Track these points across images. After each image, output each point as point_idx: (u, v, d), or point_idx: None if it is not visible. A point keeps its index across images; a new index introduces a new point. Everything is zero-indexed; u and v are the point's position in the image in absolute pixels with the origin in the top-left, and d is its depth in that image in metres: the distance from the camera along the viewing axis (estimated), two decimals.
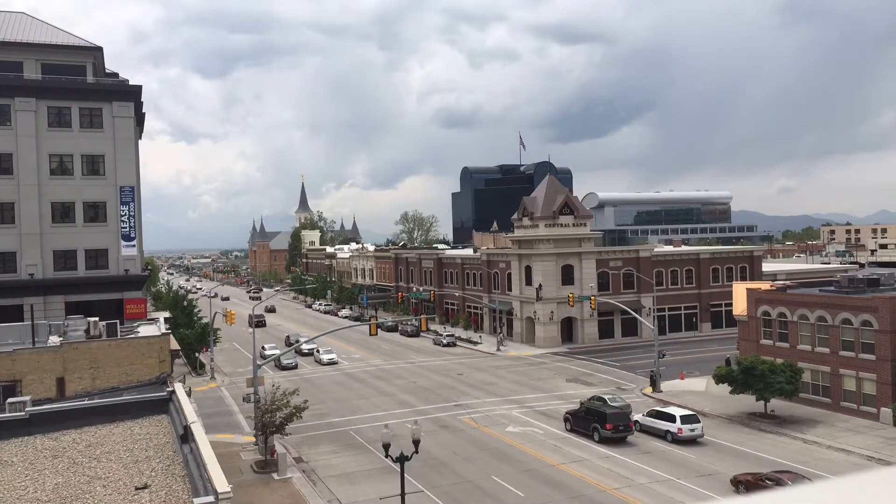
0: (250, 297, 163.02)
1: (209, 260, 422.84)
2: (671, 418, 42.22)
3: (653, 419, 43.54)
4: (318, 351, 76.65)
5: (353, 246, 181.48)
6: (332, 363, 74.44)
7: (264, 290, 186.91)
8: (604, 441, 41.67)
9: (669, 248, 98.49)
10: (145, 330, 43.12)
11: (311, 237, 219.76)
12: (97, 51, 52.88)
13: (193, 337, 72.07)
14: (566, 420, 45.53)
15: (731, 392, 46.55)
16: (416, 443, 27.90)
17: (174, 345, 41.73)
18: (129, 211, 51.70)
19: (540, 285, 79.05)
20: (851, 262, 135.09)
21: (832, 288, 52.44)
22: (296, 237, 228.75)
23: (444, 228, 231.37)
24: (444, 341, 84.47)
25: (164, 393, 29.06)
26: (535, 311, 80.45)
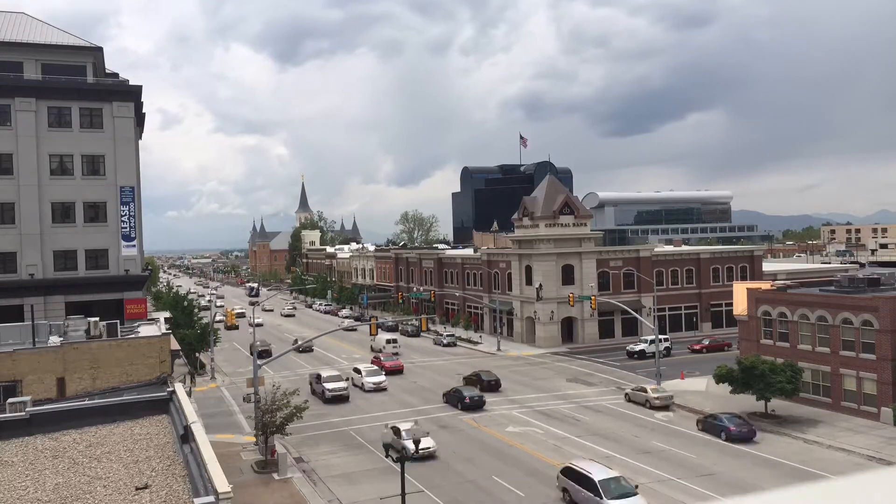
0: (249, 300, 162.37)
1: (209, 260, 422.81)
2: None
3: None
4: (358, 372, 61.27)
5: (354, 246, 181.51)
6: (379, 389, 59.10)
7: (262, 290, 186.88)
8: (465, 409, 51.32)
9: (670, 248, 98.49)
10: (145, 330, 43.09)
11: (312, 237, 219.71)
12: (97, 51, 52.85)
13: (194, 337, 72.08)
14: (444, 396, 54.34)
15: (732, 392, 46.56)
16: (417, 443, 27.91)
17: (174, 345, 41.71)
18: (129, 211, 51.67)
19: (540, 285, 79.04)
20: (852, 262, 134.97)
21: (832, 288, 52.42)
22: (296, 237, 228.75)
23: (445, 228, 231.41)
24: (445, 341, 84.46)
25: (165, 393, 29.06)
26: (535, 311, 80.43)
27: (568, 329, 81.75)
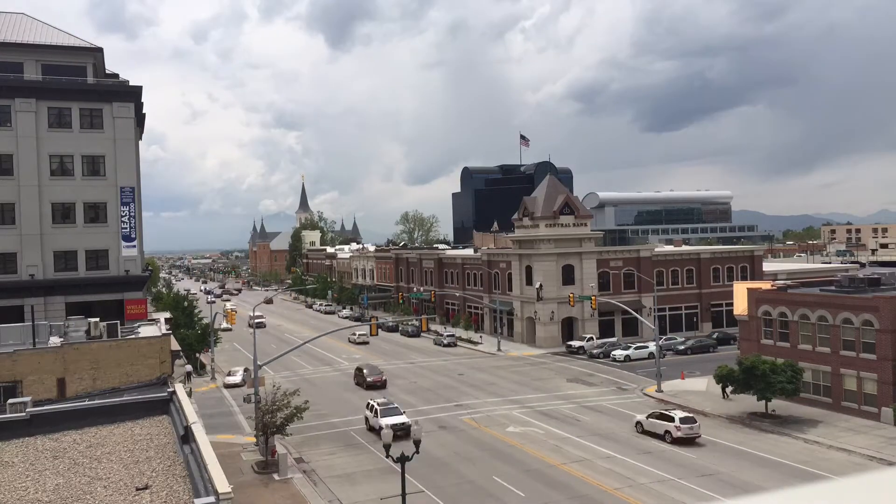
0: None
1: (209, 260, 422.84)
2: None
3: None
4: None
5: (354, 246, 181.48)
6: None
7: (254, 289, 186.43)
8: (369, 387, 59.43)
9: (670, 248, 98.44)
10: (146, 331, 43.10)
11: (312, 237, 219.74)
12: (97, 51, 52.87)
13: (194, 337, 72.13)
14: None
15: (732, 392, 46.58)
16: (417, 443, 27.88)
17: (175, 345, 41.71)
18: (129, 211, 51.68)
19: (540, 285, 79.03)
20: (852, 262, 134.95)
21: (833, 287, 52.40)
22: (296, 237, 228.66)
23: (445, 228, 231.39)
24: (445, 341, 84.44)
25: (165, 394, 29.08)
26: (535, 311, 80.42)
27: (568, 329, 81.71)
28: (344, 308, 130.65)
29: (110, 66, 52.42)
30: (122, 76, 55.34)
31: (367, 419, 46.99)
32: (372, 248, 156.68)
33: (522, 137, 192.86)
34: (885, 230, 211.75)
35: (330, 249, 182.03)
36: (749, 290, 54.81)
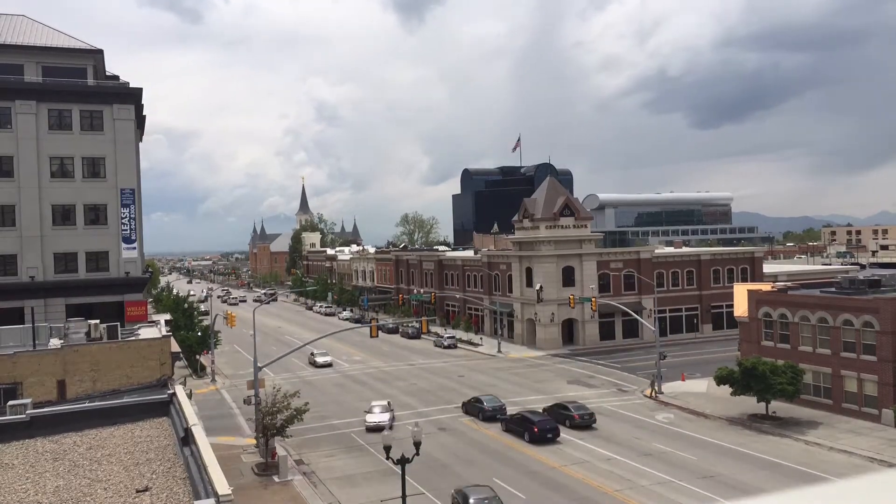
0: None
1: (210, 262, 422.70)
2: None
3: None
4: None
5: (354, 248, 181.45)
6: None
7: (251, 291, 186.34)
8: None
9: (670, 250, 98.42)
10: (146, 332, 43.06)
11: (312, 239, 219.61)
12: (97, 53, 52.91)
13: (194, 339, 72.07)
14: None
15: (732, 394, 46.55)
16: (417, 445, 27.86)
17: (175, 347, 41.69)
18: (129, 213, 51.69)
19: (541, 287, 79.02)
20: (852, 264, 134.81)
21: (833, 289, 52.39)
22: (296, 239, 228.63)
23: (445, 230, 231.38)
24: (445, 343, 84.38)
25: (165, 395, 29.07)
26: (535, 313, 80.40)
27: (568, 331, 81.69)
28: (344, 310, 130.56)
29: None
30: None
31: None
32: (372, 250, 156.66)
33: (518, 141, 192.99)
34: (885, 232, 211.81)
35: (330, 251, 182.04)
36: (749, 291, 54.80)
